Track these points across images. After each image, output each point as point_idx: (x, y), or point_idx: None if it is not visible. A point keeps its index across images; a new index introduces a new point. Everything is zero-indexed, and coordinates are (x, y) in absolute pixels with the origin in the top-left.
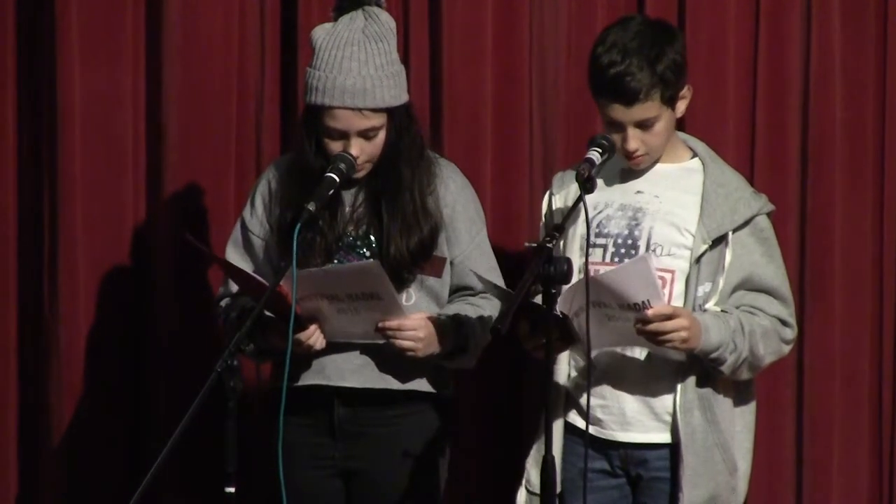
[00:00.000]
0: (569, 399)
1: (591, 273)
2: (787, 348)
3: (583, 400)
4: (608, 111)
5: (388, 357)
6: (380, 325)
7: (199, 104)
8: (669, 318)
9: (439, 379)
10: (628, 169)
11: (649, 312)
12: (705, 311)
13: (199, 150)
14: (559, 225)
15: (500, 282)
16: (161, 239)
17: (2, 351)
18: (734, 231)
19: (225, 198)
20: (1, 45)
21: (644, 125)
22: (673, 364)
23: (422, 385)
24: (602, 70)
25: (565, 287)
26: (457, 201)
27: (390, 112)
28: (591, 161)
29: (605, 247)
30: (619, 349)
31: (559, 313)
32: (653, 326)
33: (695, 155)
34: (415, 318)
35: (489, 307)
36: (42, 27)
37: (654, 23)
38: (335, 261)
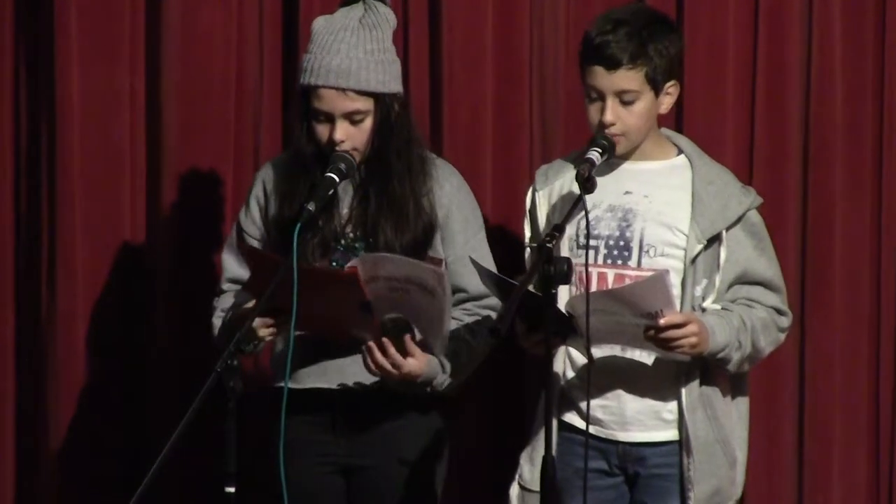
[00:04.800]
0: (564, 398)
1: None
2: (783, 336)
3: (582, 400)
4: (590, 77)
5: None
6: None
7: (199, 104)
8: (681, 325)
9: None
10: (616, 162)
11: (662, 322)
12: (704, 310)
13: (197, 150)
14: (559, 225)
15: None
16: (160, 238)
17: (0, 351)
18: (727, 229)
19: (224, 197)
20: None
21: (624, 98)
22: (676, 366)
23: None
24: (591, 38)
25: (575, 292)
26: (452, 202)
27: (378, 99)
28: (591, 161)
29: (596, 248)
30: (623, 353)
31: (566, 312)
32: (665, 334)
33: (680, 151)
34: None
35: (488, 312)
36: (41, 27)
37: (658, 13)
38: (333, 262)
